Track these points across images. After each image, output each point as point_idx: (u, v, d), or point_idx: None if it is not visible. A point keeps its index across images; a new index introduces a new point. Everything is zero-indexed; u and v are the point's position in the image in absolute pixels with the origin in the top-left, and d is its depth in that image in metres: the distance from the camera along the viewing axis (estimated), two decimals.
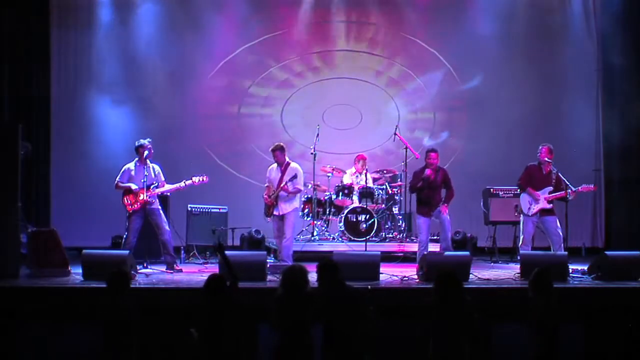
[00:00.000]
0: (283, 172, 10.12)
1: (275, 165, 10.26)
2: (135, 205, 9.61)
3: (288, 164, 10.17)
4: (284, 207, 10.10)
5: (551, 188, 9.83)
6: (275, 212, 10.09)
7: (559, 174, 9.80)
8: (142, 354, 6.55)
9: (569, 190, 9.62)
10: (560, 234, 9.70)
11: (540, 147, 9.95)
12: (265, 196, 10.17)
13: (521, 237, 9.98)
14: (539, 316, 6.35)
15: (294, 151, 12.89)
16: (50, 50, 12.45)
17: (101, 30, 12.59)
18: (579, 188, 9.76)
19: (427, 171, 9.85)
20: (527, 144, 12.55)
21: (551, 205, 9.82)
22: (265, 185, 10.29)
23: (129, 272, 7.01)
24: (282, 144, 10.34)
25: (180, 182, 9.92)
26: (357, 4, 13.06)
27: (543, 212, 9.81)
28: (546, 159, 9.85)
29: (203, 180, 9.98)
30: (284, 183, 10.04)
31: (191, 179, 9.92)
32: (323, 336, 6.20)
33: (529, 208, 9.84)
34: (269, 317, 6.21)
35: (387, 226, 11.77)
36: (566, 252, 9.42)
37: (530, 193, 9.83)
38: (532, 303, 6.45)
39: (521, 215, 9.99)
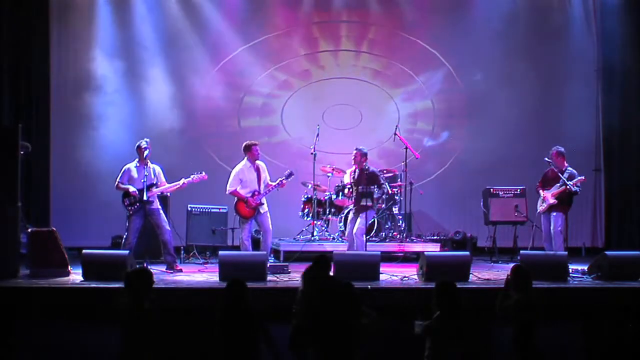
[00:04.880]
0: (258, 171, 10.06)
1: (245, 165, 10.09)
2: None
3: (257, 162, 10.15)
4: (264, 205, 10.08)
5: (558, 185, 10.21)
6: (255, 212, 10.02)
7: (560, 173, 10.18)
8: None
9: (568, 184, 10.03)
10: (552, 230, 10.10)
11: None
12: (252, 198, 9.95)
13: (543, 234, 10.39)
14: (518, 313, 6.40)
15: (294, 151, 12.92)
16: (50, 50, 12.43)
17: (101, 30, 12.57)
18: (573, 182, 10.08)
19: None
20: (527, 144, 12.60)
21: (556, 200, 10.15)
22: (235, 189, 9.96)
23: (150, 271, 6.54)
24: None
25: (179, 180, 9.92)
26: (357, 4, 13.05)
27: (552, 208, 10.21)
28: (549, 160, 10.31)
29: (202, 177, 9.97)
30: (278, 181, 10.05)
31: (190, 177, 9.92)
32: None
33: (540, 206, 10.34)
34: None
35: (387, 226, 11.77)
36: (566, 252, 9.44)
37: (539, 193, 10.41)
38: (510, 300, 6.51)
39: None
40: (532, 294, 6.51)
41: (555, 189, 10.17)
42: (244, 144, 10.28)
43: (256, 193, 9.98)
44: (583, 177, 10.33)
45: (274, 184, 10.07)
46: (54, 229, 9.50)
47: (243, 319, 6.01)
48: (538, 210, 10.38)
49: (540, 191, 10.34)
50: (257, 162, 10.18)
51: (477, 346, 6.47)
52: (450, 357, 6.05)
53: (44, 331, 7.92)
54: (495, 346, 7.71)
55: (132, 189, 9.65)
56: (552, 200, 10.15)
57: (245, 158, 10.13)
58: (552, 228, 10.15)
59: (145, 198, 9.59)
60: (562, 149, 10.32)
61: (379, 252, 9.33)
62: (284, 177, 10.13)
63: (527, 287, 6.52)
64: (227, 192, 10.11)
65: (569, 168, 10.26)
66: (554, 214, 10.17)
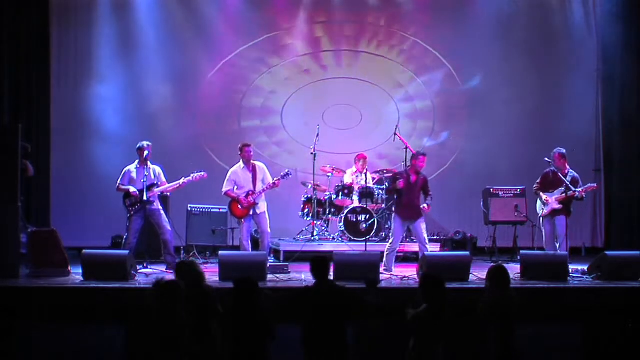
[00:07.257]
0: (253, 172, 10.08)
1: (239, 167, 10.14)
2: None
3: (254, 163, 10.16)
4: (262, 205, 10.08)
5: (563, 189, 9.87)
6: (250, 212, 10.02)
7: (563, 175, 9.86)
8: None
9: (576, 191, 9.71)
10: (562, 233, 9.73)
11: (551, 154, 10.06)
12: (245, 199, 9.97)
13: (544, 239, 10.00)
14: (496, 310, 6.44)
15: (294, 151, 12.92)
16: (50, 50, 12.43)
17: (101, 30, 12.57)
18: (583, 188, 9.81)
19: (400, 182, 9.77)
20: (527, 144, 12.61)
21: (561, 205, 9.81)
22: (228, 189, 10.05)
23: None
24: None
25: (179, 180, 9.92)
26: (357, 4, 13.04)
27: (555, 212, 9.83)
28: (549, 160, 10.01)
29: (202, 176, 9.98)
30: (273, 180, 10.05)
31: (190, 176, 9.93)
32: (303, 333, 6.25)
33: (543, 210, 9.94)
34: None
35: (387, 226, 11.77)
36: (566, 252, 9.43)
37: (540, 197, 9.97)
38: (489, 297, 6.54)
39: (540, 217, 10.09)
40: (509, 293, 6.56)
41: (559, 194, 9.80)
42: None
43: (250, 193, 9.99)
44: (595, 185, 10.22)
45: (271, 182, 10.09)
46: (54, 229, 9.53)
47: (252, 318, 6.01)
48: (540, 214, 10.01)
49: (542, 194, 9.93)
50: (256, 162, 10.20)
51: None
52: (433, 354, 6.05)
53: (44, 331, 7.92)
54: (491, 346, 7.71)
55: (132, 189, 9.66)
56: (557, 205, 9.79)
57: (240, 159, 10.16)
58: (557, 232, 9.81)
59: (145, 198, 9.61)
60: (564, 151, 10.00)
61: (379, 252, 9.33)
62: (278, 177, 10.13)
63: (503, 286, 6.56)
64: (222, 194, 10.16)
65: (572, 171, 9.96)
66: (558, 217, 9.80)
